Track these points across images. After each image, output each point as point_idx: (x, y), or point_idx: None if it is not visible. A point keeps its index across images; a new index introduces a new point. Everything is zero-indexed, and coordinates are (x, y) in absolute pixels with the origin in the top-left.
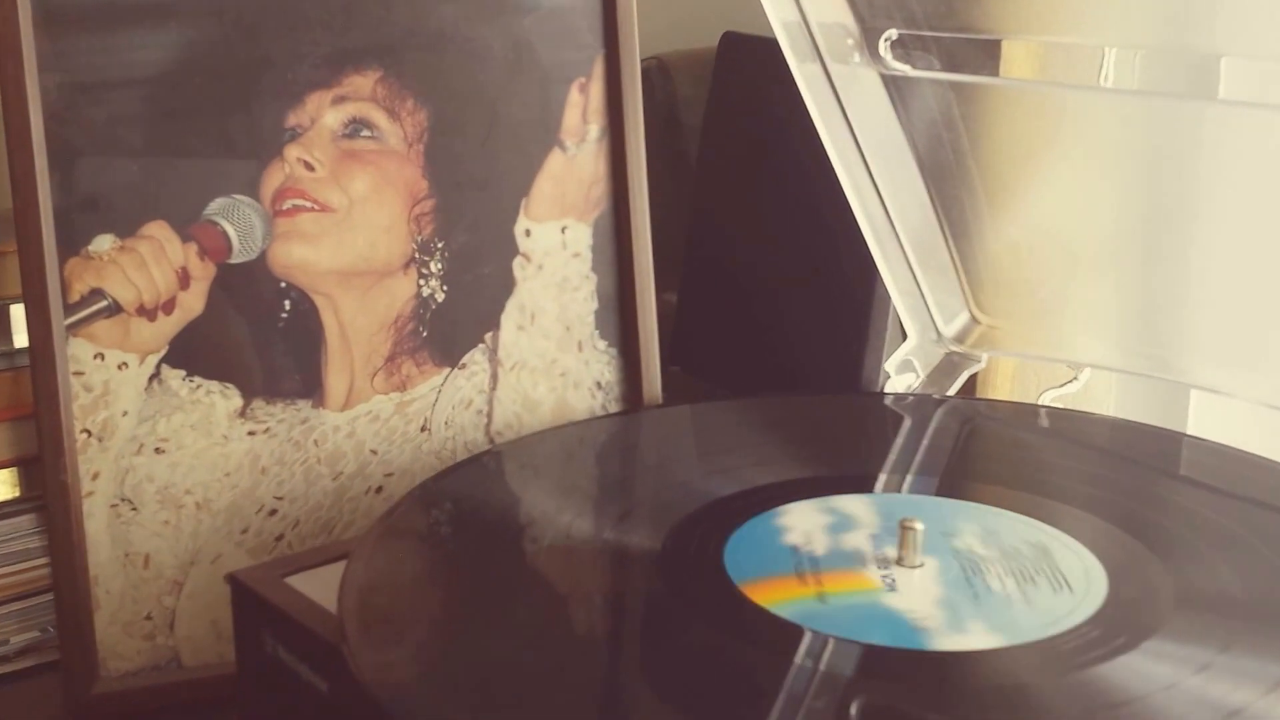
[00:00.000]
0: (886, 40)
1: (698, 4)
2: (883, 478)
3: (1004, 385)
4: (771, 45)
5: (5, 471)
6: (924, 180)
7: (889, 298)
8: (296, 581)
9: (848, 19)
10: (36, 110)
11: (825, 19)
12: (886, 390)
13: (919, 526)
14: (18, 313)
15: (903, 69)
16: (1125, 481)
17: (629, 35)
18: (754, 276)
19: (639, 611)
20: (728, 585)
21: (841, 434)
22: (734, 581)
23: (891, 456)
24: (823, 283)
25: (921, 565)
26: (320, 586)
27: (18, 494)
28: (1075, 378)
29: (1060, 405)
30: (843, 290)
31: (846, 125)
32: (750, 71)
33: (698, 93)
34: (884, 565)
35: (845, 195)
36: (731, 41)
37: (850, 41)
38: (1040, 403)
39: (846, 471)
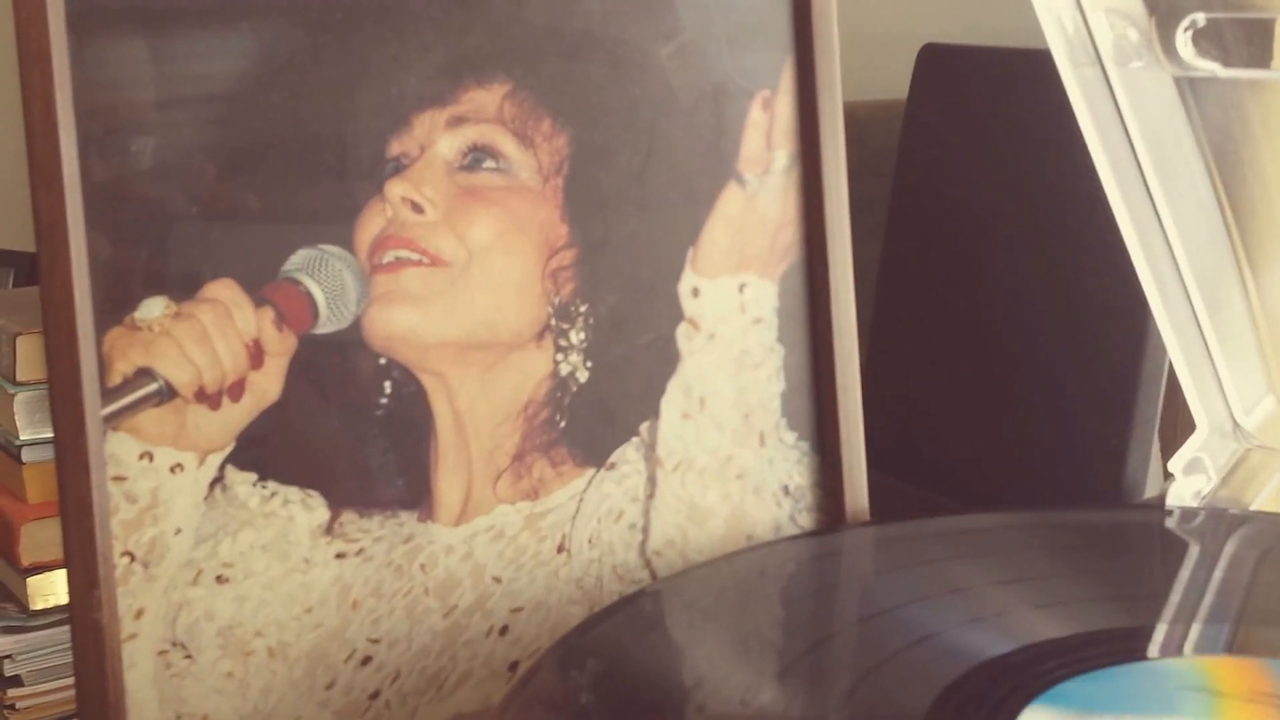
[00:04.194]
0: (1187, 31)
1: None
2: (1191, 628)
3: None
4: (988, 56)
5: (59, 574)
6: (1222, 214)
7: (1159, 375)
8: None
9: (1135, 6)
10: (70, 136)
11: (1108, 4)
12: (1170, 499)
13: None
14: None
15: (1209, 68)
16: None
17: (827, 34)
18: (966, 346)
19: None
20: None
21: (1126, 560)
22: None
23: (1214, 598)
24: (1064, 354)
25: None
26: None
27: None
28: None
29: None
30: (1095, 364)
31: (1129, 145)
32: (961, 89)
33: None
34: None
35: (1100, 238)
36: (934, 55)
37: (1137, 35)
38: None
39: (1142, 617)
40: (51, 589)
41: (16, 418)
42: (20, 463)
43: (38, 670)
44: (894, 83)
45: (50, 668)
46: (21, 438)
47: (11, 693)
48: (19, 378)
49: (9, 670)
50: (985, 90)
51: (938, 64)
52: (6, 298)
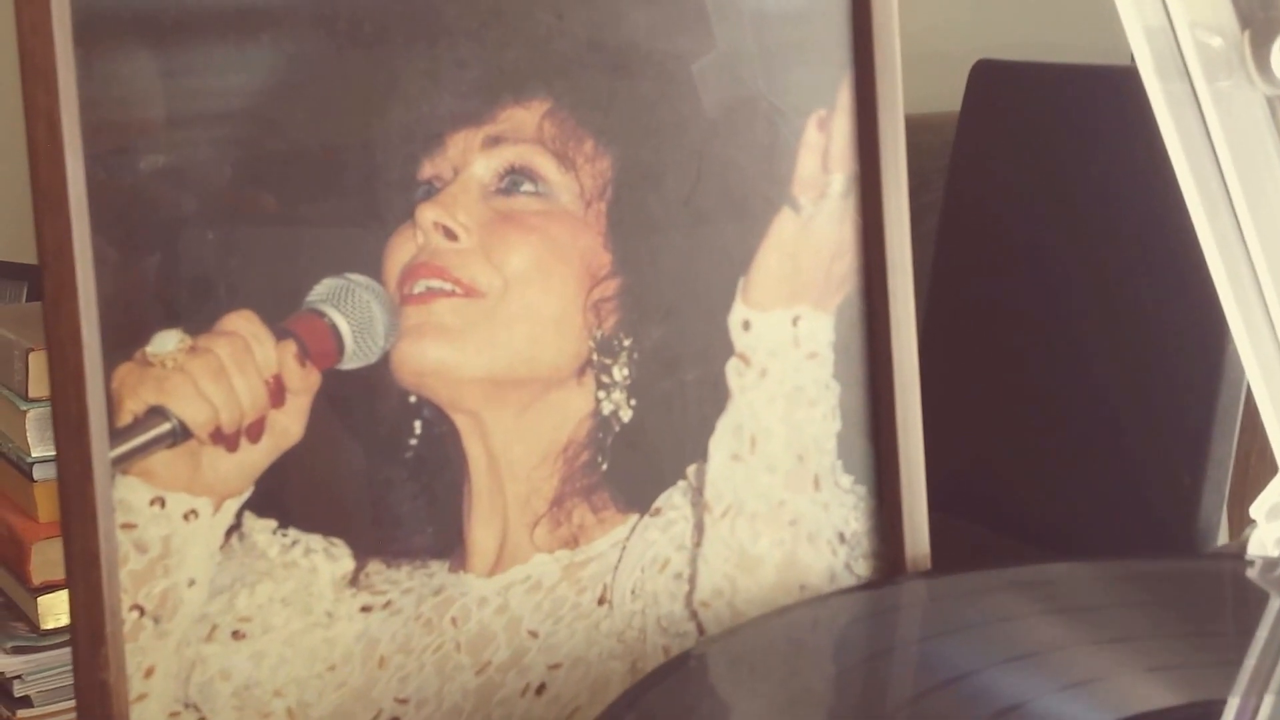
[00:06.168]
0: None
1: None
2: None
3: None
4: (1042, 72)
5: (64, 594)
6: None
7: (1234, 410)
8: None
9: (1228, 18)
10: (76, 157)
11: (1199, 18)
12: (1251, 547)
13: None
14: None
15: None
16: None
17: (888, 50)
18: (1024, 377)
19: None
20: None
21: (1218, 618)
22: None
23: None
24: (1132, 386)
25: None
26: None
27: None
28: None
29: None
30: (1164, 398)
31: (1215, 164)
32: (1014, 105)
33: None
34: None
35: (1166, 262)
36: (987, 70)
37: (1228, 52)
38: None
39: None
40: (62, 608)
41: (28, 434)
42: (32, 480)
43: (47, 691)
44: (947, 99)
45: (60, 688)
46: (33, 455)
47: (21, 713)
48: (31, 394)
49: (18, 691)
50: (1039, 106)
51: (991, 80)
52: (18, 312)
